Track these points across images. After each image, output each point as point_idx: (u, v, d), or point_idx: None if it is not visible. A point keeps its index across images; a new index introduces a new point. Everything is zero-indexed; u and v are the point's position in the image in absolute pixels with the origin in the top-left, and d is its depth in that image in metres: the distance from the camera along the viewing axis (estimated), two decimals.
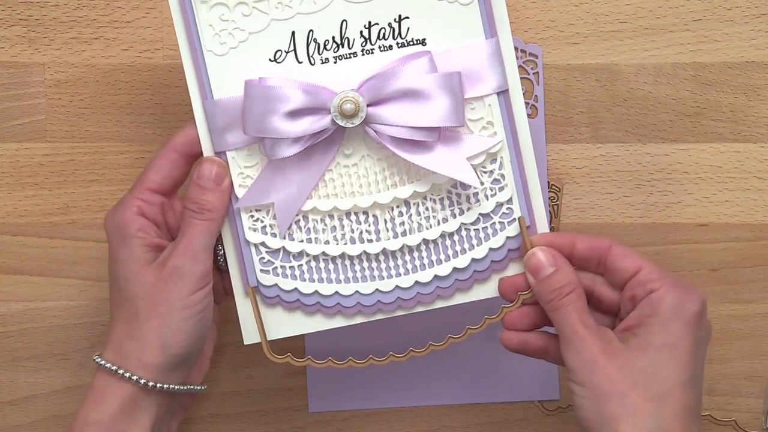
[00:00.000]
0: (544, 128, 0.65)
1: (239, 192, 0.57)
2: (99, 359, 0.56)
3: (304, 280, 0.58)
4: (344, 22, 0.56)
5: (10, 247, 0.66)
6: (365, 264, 0.58)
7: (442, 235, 0.57)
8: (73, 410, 0.67)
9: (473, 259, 0.58)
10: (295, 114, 0.54)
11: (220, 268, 0.59)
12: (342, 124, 0.55)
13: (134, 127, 0.66)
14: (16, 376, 0.67)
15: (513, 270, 0.58)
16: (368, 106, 0.55)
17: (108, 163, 0.66)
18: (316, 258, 0.58)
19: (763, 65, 0.65)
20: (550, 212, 0.65)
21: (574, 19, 0.65)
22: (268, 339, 0.58)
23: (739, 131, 0.65)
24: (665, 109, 0.65)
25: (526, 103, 0.65)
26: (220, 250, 0.58)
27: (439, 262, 0.58)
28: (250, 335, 0.58)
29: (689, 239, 0.66)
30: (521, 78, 0.64)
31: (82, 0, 0.65)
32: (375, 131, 0.55)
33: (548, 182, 0.65)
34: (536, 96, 0.65)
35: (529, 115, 0.65)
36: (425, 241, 0.58)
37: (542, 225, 0.57)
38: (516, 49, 0.64)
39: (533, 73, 0.65)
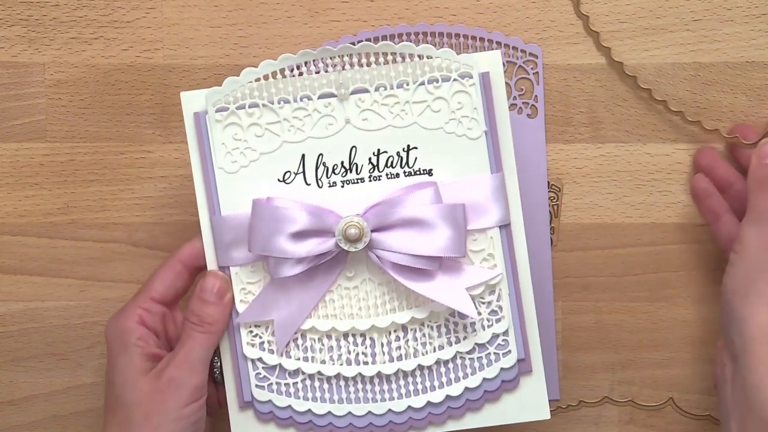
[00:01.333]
0: (544, 128, 0.65)
1: (240, 307, 0.58)
2: None
3: (299, 398, 0.58)
4: (354, 149, 0.57)
5: (10, 247, 0.66)
6: (359, 386, 0.58)
7: (437, 362, 0.58)
8: (73, 410, 0.67)
9: (466, 388, 0.58)
10: (300, 235, 0.55)
11: (215, 380, 0.59)
12: (346, 248, 0.56)
13: (134, 127, 0.66)
14: (16, 376, 0.67)
15: (506, 401, 0.58)
16: (372, 231, 0.56)
17: (108, 163, 0.66)
18: (311, 377, 0.58)
19: (763, 65, 0.65)
20: (550, 212, 0.65)
21: (574, 19, 0.65)
22: None
23: None
24: (665, 109, 0.65)
25: (526, 103, 0.65)
26: (217, 362, 0.59)
27: (433, 388, 0.58)
28: None
29: (689, 239, 0.66)
30: (521, 78, 0.65)
31: (82, 0, 0.65)
32: (378, 256, 0.56)
33: (548, 182, 0.65)
34: (536, 96, 0.65)
35: (528, 115, 0.65)
36: (420, 367, 0.58)
37: (537, 359, 0.58)
38: (516, 49, 0.64)
39: (533, 73, 0.65)
